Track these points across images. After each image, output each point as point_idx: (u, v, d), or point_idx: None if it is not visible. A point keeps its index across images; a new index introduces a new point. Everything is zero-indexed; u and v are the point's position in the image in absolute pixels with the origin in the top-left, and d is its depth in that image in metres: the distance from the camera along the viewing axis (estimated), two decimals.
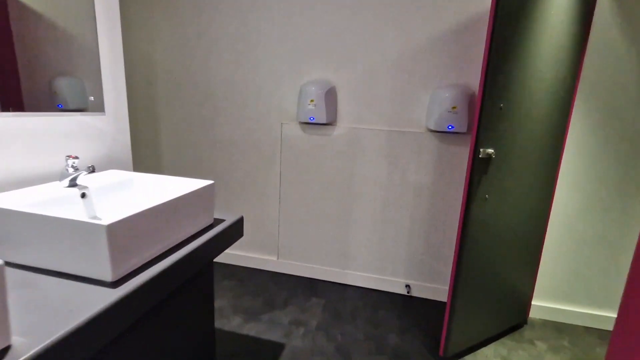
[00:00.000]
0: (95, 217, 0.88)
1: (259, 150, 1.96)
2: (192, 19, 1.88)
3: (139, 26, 1.96)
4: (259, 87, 1.88)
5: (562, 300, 1.69)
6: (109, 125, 1.09)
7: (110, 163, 1.11)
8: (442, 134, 1.67)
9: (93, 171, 0.84)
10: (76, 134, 0.98)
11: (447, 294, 1.84)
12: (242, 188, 2.04)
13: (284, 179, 1.93)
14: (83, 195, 0.86)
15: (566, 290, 1.68)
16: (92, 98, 1.02)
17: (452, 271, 1.29)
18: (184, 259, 0.80)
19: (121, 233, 0.64)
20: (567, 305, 1.69)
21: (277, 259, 2.07)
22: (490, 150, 1.16)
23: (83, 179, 0.90)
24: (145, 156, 2.15)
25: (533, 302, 1.72)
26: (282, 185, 1.94)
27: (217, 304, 1.73)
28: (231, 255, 2.15)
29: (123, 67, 1.12)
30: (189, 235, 0.89)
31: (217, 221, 1.02)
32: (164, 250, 0.79)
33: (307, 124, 1.82)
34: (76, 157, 0.85)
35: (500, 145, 1.21)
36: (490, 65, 1.10)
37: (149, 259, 0.74)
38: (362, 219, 1.87)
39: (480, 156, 1.17)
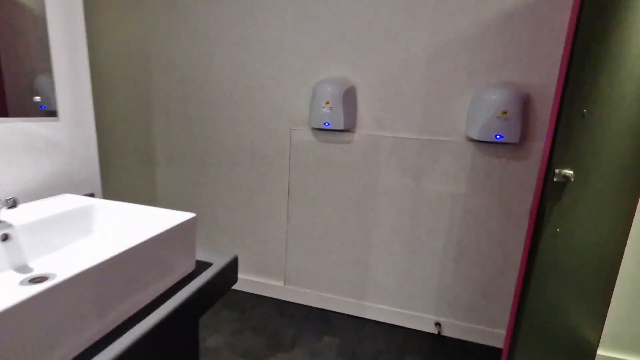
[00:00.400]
0: (24, 267, 0.62)
1: (264, 159, 1.69)
2: (189, 7, 1.63)
3: (127, 16, 1.72)
4: (264, 87, 1.61)
5: (634, 350, 1.37)
6: (65, 134, 0.84)
7: (68, 184, 0.86)
8: (487, 145, 1.37)
9: (13, 206, 0.58)
10: (10, 148, 0.73)
11: (486, 335, 1.53)
12: (245, 202, 1.77)
13: (293, 193, 1.66)
14: (5, 238, 0.60)
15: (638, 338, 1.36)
16: (37, 98, 0.76)
17: (510, 317, 1.00)
18: (148, 335, 0.53)
19: (27, 319, 0.38)
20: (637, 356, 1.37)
21: (284, 284, 1.79)
22: (569, 172, 0.87)
23: (6, 213, 0.64)
24: (131, 167, 1.90)
25: (599, 352, 1.40)
26: (290, 200, 1.67)
27: (213, 342, 1.47)
28: None
29: (86, 58, 0.86)
30: (159, 293, 0.63)
31: (202, 266, 0.75)
32: (115, 324, 0.52)
33: (321, 130, 1.55)
34: None
35: (580, 164, 0.91)
36: (575, 59, 0.81)
37: (89, 343, 0.47)
38: (385, 243, 1.58)
39: (555, 179, 0.87)
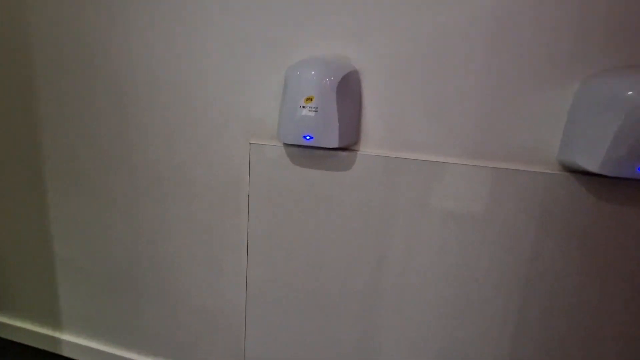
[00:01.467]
0: None
1: (209, 190, 1.04)
2: None
3: None
4: (204, 75, 0.97)
5: None
6: None
7: None
8: (617, 184, 0.73)
9: None
10: None
11: None
12: (180, 254, 1.12)
13: (255, 242, 1.02)
14: None
15: None
16: None
17: None
18: None
19: None
20: None
21: None
22: None
23: None
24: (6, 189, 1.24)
25: None
26: (251, 254, 1.03)
27: None
28: None
29: None
30: None
31: None
32: None
33: (299, 148, 0.90)
34: None
35: None
36: None
37: None
38: (401, 335, 0.94)
39: None
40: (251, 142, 0.96)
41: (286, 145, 0.91)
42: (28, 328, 1.37)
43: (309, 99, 0.78)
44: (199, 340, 1.17)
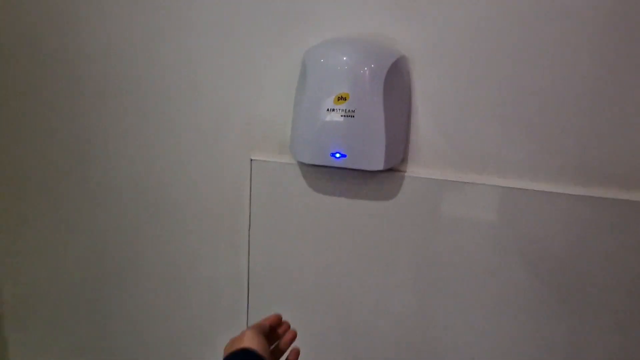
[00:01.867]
0: None
1: (198, 221, 0.77)
2: None
3: None
4: (193, 66, 0.70)
5: None
6: None
7: None
8: None
9: None
10: None
11: None
12: (166, 293, 0.85)
13: (257, 282, 0.75)
14: None
15: None
16: None
17: None
18: None
19: None
20: None
21: None
22: None
23: None
24: None
25: None
26: (253, 295, 0.76)
27: None
28: None
29: None
30: None
31: None
32: None
33: (322, 169, 0.63)
34: None
35: None
36: None
37: None
38: None
39: None
40: (252, 157, 0.69)
41: (302, 164, 0.64)
42: None
43: (342, 98, 0.52)
44: None
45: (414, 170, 0.62)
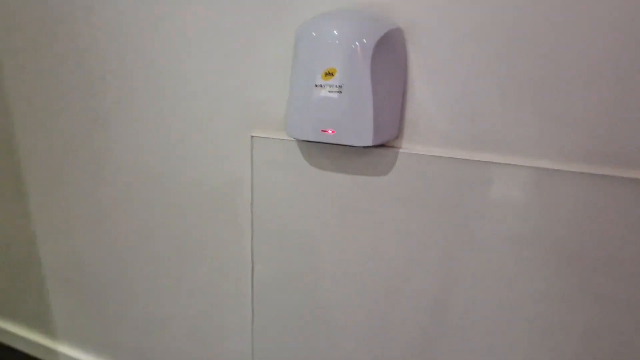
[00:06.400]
0: None
1: (200, 196, 0.82)
2: None
3: None
4: (192, 45, 0.72)
5: None
6: None
7: None
8: None
9: None
10: None
11: None
12: (165, 277, 0.92)
13: (261, 259, 0.79)
14: None
15: None
16: None
17: None
18: None
19: None
20: None
21: None
22: None
23: None
24: None
25: None
26: (256, 275, 0.80)
27: None
28: None
29: None
30: None
31: None
32: None
33: (317, 144, 0.64)
34: None
35: None
36: None
37: None
38: None
39: None
40: (253, 134, 0.71)
41: (298, 140, 0.65)
42: (25, 337, 1.25)
43: (329, 74, 0.51)
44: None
45: (409, 146, 0.61)
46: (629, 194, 0.50)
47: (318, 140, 0.57)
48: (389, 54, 0.53)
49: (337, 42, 0.51)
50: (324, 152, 0.65)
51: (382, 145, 0.60)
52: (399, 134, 0.61)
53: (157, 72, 0.76)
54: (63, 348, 1.19)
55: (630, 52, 0.48)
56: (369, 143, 0.53)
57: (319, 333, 0.77)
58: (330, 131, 0.55)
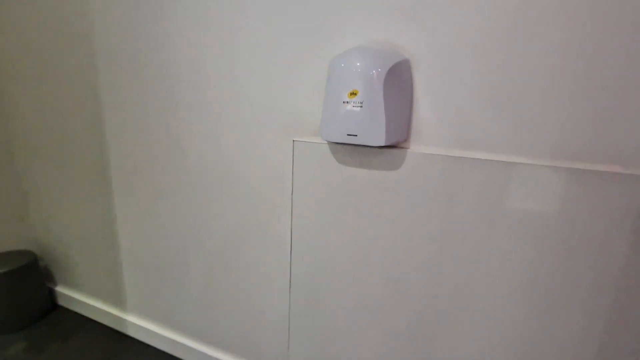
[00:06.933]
0: None
1: (251, 190, 1.03)
2: None
3: None
4: (250, 71, 0.95)
5: None
6: None
7: None
8: None
9: None
10: None
11: None
12: (223, 250, 1.14)
13: (299, 246, 0.98)
14: None
15: None
16: None
17: None
18: None
19: None
20: None
21: None
22: None
23: None
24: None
25: None
26: (295, 258, 1.00)
27: None
28: None
29: None
30: None
31: None
32: None
33: (344, 146, 0.84)
34: None
35: None
36: None
37: None
38: (462, 354, 0.84)
39: None
40: (294, 139, 0.92)
41: (331, 143, 0.86)
42: (100, 307, 1.51)
43: (353, 94, 0.72)
44: (242, 334, 1.19)
45: (415, 147, 0.80)
46: (586, 184, 0.66)
47: (345, 142, 0.76)
48: (397, 78, 0.72)
49: (359, 70, 0.71)
50: (349, 151, 0.85)
51: (394, 147, 0.79)
52: (407, 138, 0.80)
53: (222, 93, 1.00)
54: (131, 318, 1.44)
55: (579, 72, 0.65)
56: (382, 143, 0.72)
57: (343, 294, 0.95)
58: (352, 135, 0.75)
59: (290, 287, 1.03)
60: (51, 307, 1.61)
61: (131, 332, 1.45)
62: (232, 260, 1.14)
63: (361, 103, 0.71)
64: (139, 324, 1.42)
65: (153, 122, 1.14)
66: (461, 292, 0.80)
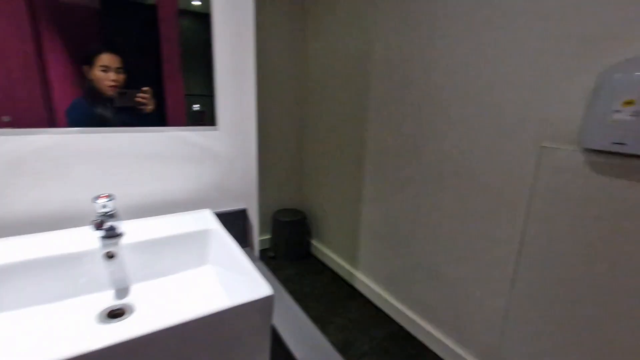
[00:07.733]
0: (124, 290, 0.57)
1: (487, 187, 1.15)
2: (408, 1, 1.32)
3: (339, 19, 1.62)
4: (506, 77, 1.07)
5: None
6: (223, 144, 0.78)
7: (220, 197, 0.80)
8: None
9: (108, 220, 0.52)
10: (163, 156, 0.72)
11: None
12: (450, 237, 1.31)
13: (529, 252, 1.03)
14: (110, 256, 0.57)
15: None
16: (196, 107, 0.72)
17: None
18: None
19: None
20: None
21: None
22: None
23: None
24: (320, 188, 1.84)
25: None
26: (522, 262, 1.06)
27: None
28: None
29: (252, 60, 0.76)
30: None
31: None
32: None
33: (605, 154, 0.84)
34: (109, 197, 0.56)
35: None
36: None
37: None
38: None
39: None
40: (543, 145, 0.98)
41: (587, 151, 0.87)
42: (338, 261, 2.03)
43: (629, 103, 0.73)
44: (458, 317, 1.33)
45: None
46: None
47: (610, 150, 0.78)
48: None
49: (637, 83, 0.72)
50: (610, 161, 0.84)
51: None
52: None
53: (479, 108, 1.17)
54: (360, 275, 1.86)
55: None
56: None
57: (571, 313, 0.93)
58: (620, 144, 0.75)
59: (514, 283, 1.10)
60: (306, 254, 2.29)
61: (357, 285, 1.88)
62: (458, 249, 1.30)
63: (637, 112, 0.72)
64: (365, 281, 1.81)
65: (405, 127, 1.45)
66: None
